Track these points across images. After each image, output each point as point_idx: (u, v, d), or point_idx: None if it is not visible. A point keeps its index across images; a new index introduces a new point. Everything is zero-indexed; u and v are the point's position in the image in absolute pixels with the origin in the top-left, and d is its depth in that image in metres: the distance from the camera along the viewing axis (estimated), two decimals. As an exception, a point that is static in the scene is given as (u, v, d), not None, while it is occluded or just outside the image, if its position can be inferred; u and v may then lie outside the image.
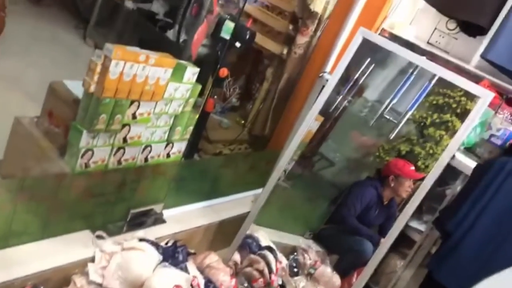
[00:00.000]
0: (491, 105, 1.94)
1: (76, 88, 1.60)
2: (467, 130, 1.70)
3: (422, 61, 1.86)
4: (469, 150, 2.19)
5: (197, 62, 1.91)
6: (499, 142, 2.12)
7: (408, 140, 2.36)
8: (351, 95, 2.40)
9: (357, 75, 2.36)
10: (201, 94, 1.92)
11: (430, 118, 2.28)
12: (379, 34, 2.43)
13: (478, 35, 2.36)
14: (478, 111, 1.66)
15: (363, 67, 2.33)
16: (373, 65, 2.32)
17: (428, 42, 2.58)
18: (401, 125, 2.36)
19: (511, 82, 2.22)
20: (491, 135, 2.14)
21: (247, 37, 2.23)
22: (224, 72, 2.12)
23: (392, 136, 2.38)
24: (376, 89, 2.52)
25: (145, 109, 1.64)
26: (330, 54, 2.45)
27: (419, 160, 2.29)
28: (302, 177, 2.48)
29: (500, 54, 2.20)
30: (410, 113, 2.35)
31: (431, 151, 2.27)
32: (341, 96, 2.35)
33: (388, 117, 2.41)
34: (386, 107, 2.41)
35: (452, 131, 2.20)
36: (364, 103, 2.50)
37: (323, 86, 2.03)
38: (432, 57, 2.35)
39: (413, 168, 2.27)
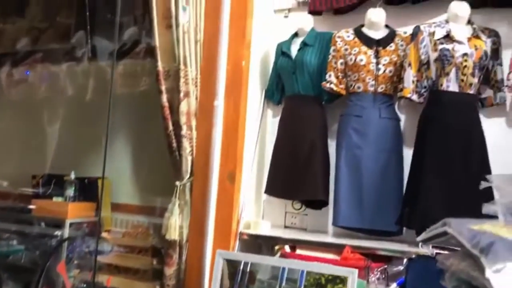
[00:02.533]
0: (360, 273, 2.01)
1: None
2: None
3: (287, 263, 1.91)
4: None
5: None
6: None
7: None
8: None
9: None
10: None
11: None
12: (239, 238, 2.49)
13: (323, 207, 2.54)
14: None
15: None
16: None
17: (285, 227, 2.71)
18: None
19: (369, 237, 2.37)
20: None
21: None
22: None
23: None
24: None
25: None
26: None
27: None
28: None
29: (346, 217, 2.37)
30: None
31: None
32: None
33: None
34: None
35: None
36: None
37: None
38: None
39: None
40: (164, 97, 2.50)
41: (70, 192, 3.43)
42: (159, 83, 2.49)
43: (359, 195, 2.35)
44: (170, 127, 2.53)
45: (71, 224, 3.32)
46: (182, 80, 2.51)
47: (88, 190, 3.52)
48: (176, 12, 2.50)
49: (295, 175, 2.47)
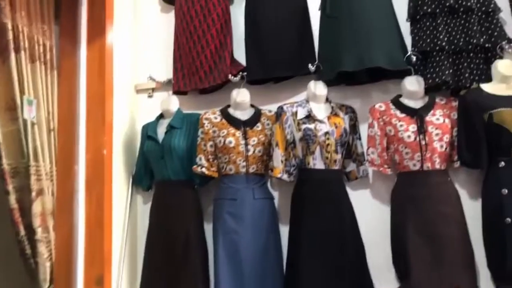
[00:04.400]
0: None
1: None
2: None
3: None
4: None
5: None
6: None
7: None
8: None
9: None
10: None
11: None
12: None
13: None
14: None
15: None
16: None
17: None
18: None
19: None
20: None
21: None
22: None
23: None
24: None
25: None
26: None
27: None
28: None
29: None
30: None
31: None
32: None
33: None
34: None
35: None
36: None
37: None
38: None
39: None
40: (13, 198, 2.17)
41: None
42: (5, 183, 2.16)
43: (240, 283, 2.23)
44: (22, 232, 2.19)
45: None
46: (33, 177, 2.21)
47: None
48: (21, 105, 2.23)
49: (171, 273, 2.27)
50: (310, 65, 2.33)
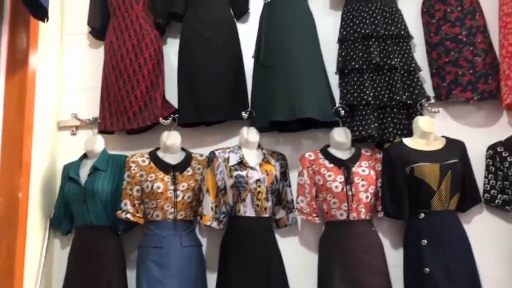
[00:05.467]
0: None
1: None
2: None
3: None
4: None
5: None
6: None
7: None
8: None
9: None
10: None
11: None
12: None
13: None
14: None
15: None
16: None
17: None
18: None
19: None
20: None
21: None
22: None
23: None
24: None
25: None
26: None
27: None
28: None
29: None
30: None
31: None
32: None
33: None
34: None
35: None
36: None
37: None
38: None
39: None
40: None
41: None
42: None
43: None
44: None
45: None
46: None
47: None
48: None
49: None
50: (243, 113, 2.33)
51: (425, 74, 2.44)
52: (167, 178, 2.27)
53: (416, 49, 2.49)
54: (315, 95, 2.29)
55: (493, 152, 2.27)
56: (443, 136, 2.29)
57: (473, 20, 2.37)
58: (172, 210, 2.24)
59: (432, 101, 2.38)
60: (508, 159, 2.21)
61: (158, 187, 2.23)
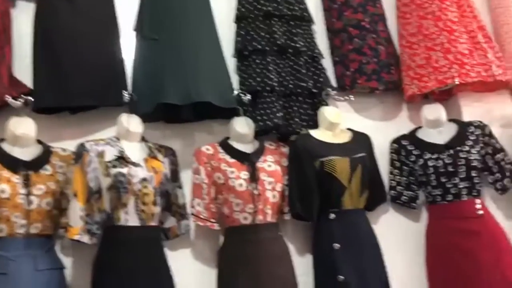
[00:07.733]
0: None
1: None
2: None
3: None
4: None
5: None
6: None
7: None
8: None
9: None
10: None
11: None
12: None
13: None
14: None
15: None
16: None
17: None
18: None
19: None
20: None
21: None
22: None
23: None
24: None
25: None
26: None
27: None
28: None
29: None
30: None
31: None
32: None
33: None
34: None
35: None
36: None
37: None
38: None
39: None
40: None
41: None
42: None
43: None
44: None
45: None
46: None
47: None
48: None
49: None
50: (124, 93, 1.85)
51: (326, 63, 2.25)
52: (16, 178, 1.67)
53: (315, 36, 2.29)
54: (213, 77, 1.93)
55: (398, 146, 2.16)
56: (348, 129, 2.11)
57: (374, 7, 2.27)
58: (23, 221, 1.65)
59: (335, 91, 2.19)
60: (414, 152, 2.11)
61: (3, 191, 1.62)
